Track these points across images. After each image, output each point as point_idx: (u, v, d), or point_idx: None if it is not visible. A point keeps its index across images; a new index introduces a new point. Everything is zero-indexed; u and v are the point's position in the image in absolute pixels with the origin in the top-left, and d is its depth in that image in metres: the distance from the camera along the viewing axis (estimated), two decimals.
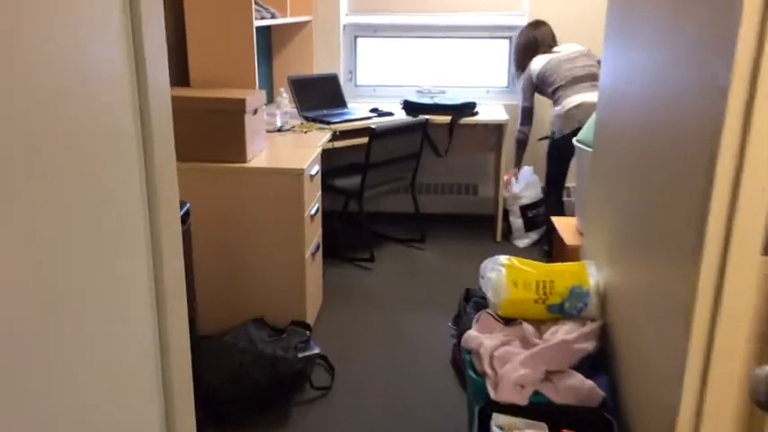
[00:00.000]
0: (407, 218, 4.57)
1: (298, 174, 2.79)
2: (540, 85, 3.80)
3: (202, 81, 3.15)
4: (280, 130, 3.56)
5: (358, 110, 4.16)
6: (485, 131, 4.38)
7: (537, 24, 3.93)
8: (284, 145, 3.22)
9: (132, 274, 0.89)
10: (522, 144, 3.98)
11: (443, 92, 4.64)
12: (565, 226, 2.71)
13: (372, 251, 3.95)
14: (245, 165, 2.82)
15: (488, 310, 2.11)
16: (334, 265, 3.86)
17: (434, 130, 4.11)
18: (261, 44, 4.18)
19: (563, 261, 2.58)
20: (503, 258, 2.13)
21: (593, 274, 2.05)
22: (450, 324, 2.76)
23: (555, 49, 3.86)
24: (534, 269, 2.08)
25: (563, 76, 3.70)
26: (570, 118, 3.61)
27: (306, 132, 3.53)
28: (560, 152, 3.72)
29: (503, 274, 2.07)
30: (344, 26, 4.58)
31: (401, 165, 3.95)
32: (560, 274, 2.06)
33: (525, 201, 4.17)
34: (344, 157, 4.16)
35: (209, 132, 2.83)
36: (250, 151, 2.88)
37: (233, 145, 2.83)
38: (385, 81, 4.73)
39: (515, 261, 2.11)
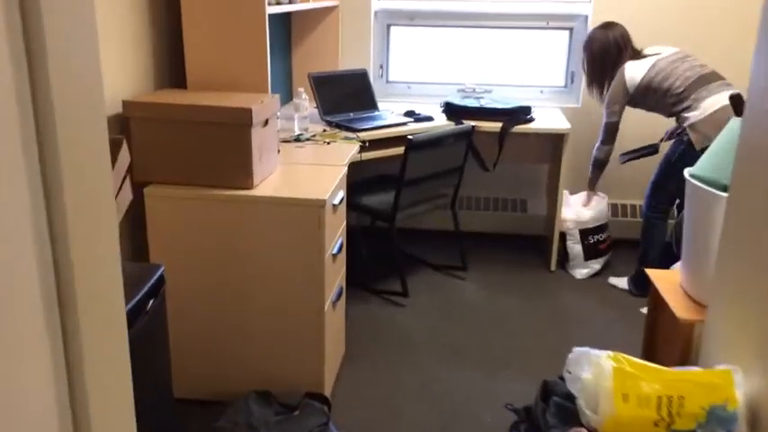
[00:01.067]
0: (446, 237, 3.94)
1: (318, 206, 2.18)
2: (644, 96, 3.17)
3: (202, 82, 2.54)
4: (298, 139, 2.94)
5: (390, 113, 3.52)
6: (539, 140, 3.73)
7: (610, 25, 3.26)
8: (302, 162, 2.61)
9: None
10: (602, 165, 3.37)
11: (489, 91, 3.98)
12: (667, 284, 2.07)
13: (405, 281, 3.33)
14: (251, 192, 2.21)
15: (582, 430, 1.48)
16: (360, 300, 3.25)
17: (481, 139, 3.46)
18: (277, 35, 3.56)
19: (670, 341, 1.94)
20: (604, 356, 1.50)
21: (740, 386, 1.42)
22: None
23: (647, 51, 3.21)
24: (654, 376, 1.44)
25: (685, 76, 3.06)
26: (718, 122, 2.95)
27: (329, 143, 2.91)
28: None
29: (607, 380, 1.44)
30: (376, 13, 3.93)
31: (442, 180, 3.31)
32: (693, 386, 1.42)
33: (588, 224, 3.52)
34: (373, 168, 3.53)
35: (206, 150, 2.22)
36: (258, 174, 2.27)
37: (236, 167, 2.22)
38: (421, 78, 4.08)
39: (624, 361, 1.48)
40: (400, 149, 3.20)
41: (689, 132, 3.03)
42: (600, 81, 3.28)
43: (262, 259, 2.24)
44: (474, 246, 3.89)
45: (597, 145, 3.32)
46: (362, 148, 3.01)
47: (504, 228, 4.08)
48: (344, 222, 2.60)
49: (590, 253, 3.54)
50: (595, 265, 3.55)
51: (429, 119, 3.46)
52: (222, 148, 2.21)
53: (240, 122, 2.17)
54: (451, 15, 3.89)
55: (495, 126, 3.40)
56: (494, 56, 4.02)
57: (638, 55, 3.19)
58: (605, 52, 3.22)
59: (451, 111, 3.53)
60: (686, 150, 3.06)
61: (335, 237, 2.42)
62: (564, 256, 3.63)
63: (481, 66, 4.04)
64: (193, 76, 2.54)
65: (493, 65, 4.04)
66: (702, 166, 1.95)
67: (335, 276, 2.47)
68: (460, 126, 3.22)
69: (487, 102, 3.61)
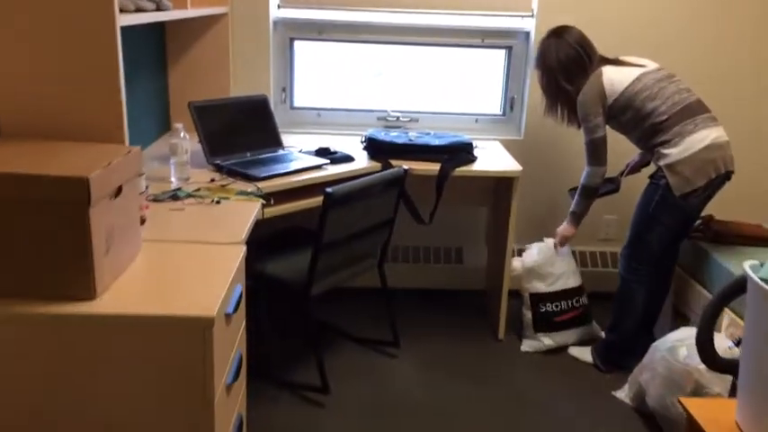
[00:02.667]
0: (371, 296, 3.22)
1: (202, 326, 1.40)
2: (621, 112, 2.56)
3: (19, 128, 1.69)
4: (175, 196, 2.14)
5: (299, 152, 2.77)
6: (479, 182, 3.11)
7: (564, 30, 2.65)
8: (180, 237, 1.81)
9: None
10: (592, 193, 2.68)
11: (416, 120, 3.32)
12: (713, 419, 1.45)
13: (324, 374, 2.57)
14: (93, 308, 1.40)
15: None
16: (265, 399, 2.48)
17: (414, 184, 2.79)
18: (143, 53, 2.72)
19: None
20: None
21: None
22: None
23: (626, 59, 2.64)
24: None
25: (672, 101, 2.50)
26: (705, 163, 2.45)
27: (218, 201, 2.13)
28: (680, 218, 2.55)
29: None
30: (275, 23, 3.18)
31: (368, 239, 2.60)
32: None
33: (541, 286, 2.89)
34: (278, 218, 2.77)
35: (18, 243, 1.39)
36: (105, 275, 1.46)
37: (67, 268, 1.41)
38: (334, 103, 3.36)
39: None
40: (315, 201, 2.48)
41: (666, 174, 2.49)
42: (566, 98, 2.65)
43: (113, 409, 1.43)
44: (405, 308, 3.20)
45: (586, 170, 2.64)
46: (266, 204, 2.24)
47: (437, 282, 3.42)
48: (243, 328, 1.83)
49: (541, 324, 2.93)
50: (546, 340, 2.91)
51: (348, 159, 2.74)
52: (45, 238, 1.39)
53: (72, 199, 1.36)
54: (369, 28, 3.20)
55: (431, 168, 2.73)
56: (420, 78, 3.37)
57: (614, 62, 2.61)
58: (570, 60, 2.59)
59: (376, 148, 2.83)
60: (664, 196, 2.51)
61: (230, 358, 1.65)
62: (519, 321, 3.01)
63: (405, 90, 3.38)
64: (6, 118, 1.68)
65: (419, 89, 3.38)
66: None
67: (232, 410, 1.69)
68: (391, 171, 2.52)
69: (419, 136, 2.93)
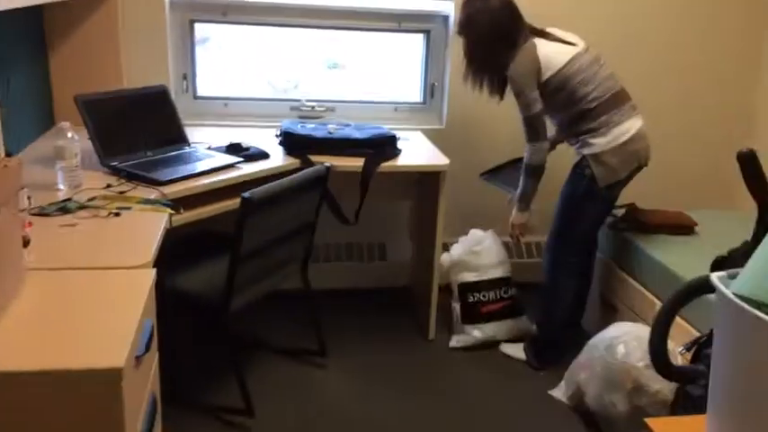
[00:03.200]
0: (292, 300, 2.99)
1: (108, 379, 1.15)
2: (554, 93, 2.42)
3: None
4: (65, 209, 1.83)
5: (207, 148, 2.50)
6: (403, 176, 2.94)
7: None
8: (72, 262, 1.53)
9: None
10: (537, 172, 2.49)
11: (332, 110, 3.10)
12: None
13: (247, 394, 2.33)
14: None
15: None
16: (185, 428, 2.22)
17: (336, 181, 2.58)
18: (18, 40, 2.35)
19: None
20: None
21: None
22: None
23: (552, 31, 2.48)
24: None
25: (603, 87, 2.41)
26: (630, 154, 2.41)
27: (117, 213, 1.84)
28: (603, 208, 2.56)
29: None
30: (172, 3, 2.85)
31: (289, 244, 2.38)
32: None
33: (469, 276, 2.80)
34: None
35: None
36: None
37: None
38: (241, 92, 3.08)
39: None
40: (229, 204, 2.23)
41: (591, 164, 2.42)
42: (494, 68, 2.46)
43: None
44: (328, 311, 3.00)
45: (528, 148, 2.47)
46: (175, 212, 1.97)
47: (360, 281, 3.24)
48: (156, 362, 1.58)
49: (470, 315, 2.83)
50: (475, 332, 2.81)
51: (263, 155, 2.50)
52: None
53: None
54: (278, 10, 2.93)
55: (354, 164, 2.54)
56: (336, 64, 3.15)
57: (543, 34, 2.45)
58: (500, 26, 2.39)
59: (292, 143, 2.59)
60: (590, 187, 2.45)
61: (143, 403, 1.40)
62: (449, 314, 2.90)
63: (320, 77, 3.15)
64: None
65: (335, 76, 3.16)
66: (746, 280, 1.26)
67: None
68: (313, 170, 2.30)
69: (338, 129, 2.72)
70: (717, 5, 3.19)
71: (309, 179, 2.28)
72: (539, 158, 2.47)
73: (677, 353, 1.90)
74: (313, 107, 3.07)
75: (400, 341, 2.83)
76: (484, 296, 2.80)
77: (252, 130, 2.87)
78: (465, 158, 3.10)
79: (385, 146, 2.61)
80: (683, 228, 2.72)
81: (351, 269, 3.22)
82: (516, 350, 2.76)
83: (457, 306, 2.83)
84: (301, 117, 3.05)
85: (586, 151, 2.44)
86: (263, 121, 3.00)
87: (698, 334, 1.96)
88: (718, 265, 2.42)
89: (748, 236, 2.65)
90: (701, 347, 1.67)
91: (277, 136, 2.66)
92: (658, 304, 2.45)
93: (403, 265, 3.26)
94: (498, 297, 2.81)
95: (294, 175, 2.22)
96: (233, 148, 2.49)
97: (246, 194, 2.02)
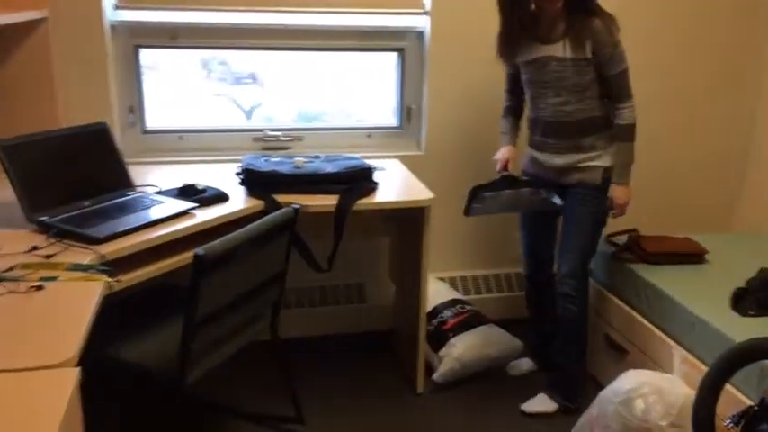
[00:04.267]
0: (261, 353, 2.66)
1: None
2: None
3: None
4: None
5: (156, 192, 2.17)
6: (380, 211, 2.65)
7: None
8: None
9: None
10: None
11: (300, 138, 2.80)
12: None
13: None
14: None
15: None
16: None
17: (307, 222, 2.27)
18: None
19: None
20: None
21: None
22: None
23: None
24: None
25: None
26: None
27: (40, 286, 1.51)
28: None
29: None
30: (114, 28, 2.53)
31: (255, 301, 2.06)
32: None
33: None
34: None
35: None
36: None
37: None
38: (196, 123, 2.77)
39: None
40: (181, 260, 1.92)
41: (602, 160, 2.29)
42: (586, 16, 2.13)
43: None
44: (303, 365, 2.68)
45: (628, 107, 2.22)
46: (112, 279, 1.65)
47: (337, 326, 2.93)
48: None
49: (437, 342, 2.61)
50: (451, 352, 2.56)
51: (222, 198, 2.18)
52: None
53: None
54: (234, 32, 2.63)
55: (327, 203, 2.24)
56: (302, 88, 2.85)
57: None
58: None
59: (255, 181, 2.28)
60: (604, 199, 2.31)
61: None
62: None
63: (284, 103, 2.85)
64: None
65: (301, 101, 2.87)
66: None
67: None
68: (280, 214, 1.99)
69: (308, 162, 2.42)
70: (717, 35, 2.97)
71: (276, 225, 1.97)
72: (635, 117, 2.23)
73: (722, 426, 1.63)
74: (278, 137, 2.77)
75: (387, 397, 2.52)
76: (442, 317, 2.65)
77: (210, 167, 2.55)
78: (446, 188, 2.81)
79: (360, 180, 2.31)
80: (693, 256, 2.46)
81: (326, 314, 2.90)
82: (541, 404, 2.43)
83: (425, 345, 2.55)
84: (265, 149, 2.74)
85: (605, 163, 2.26)
86: (224, 154, 2.69)
87: (749, 402, 1.69)
88: (738, 298, 2.17)
89: (761, 262, 2.42)
90: (752, 420, 1.40)
91: (238, 174, 2.34)
92: (673, 345, 2.18)
93: (384, 308, 2.95)
94: (456, 312, 2.68)
95: (257, 222, 1.90)
96: (187, 191, 2.17)
97: (200, 251, 1.70)
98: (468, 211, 2.38)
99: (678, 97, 3.05)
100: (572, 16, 2.13)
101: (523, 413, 2.41)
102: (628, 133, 2.23)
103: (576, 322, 2.36)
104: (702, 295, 2.21)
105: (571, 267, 2.32)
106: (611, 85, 2.20)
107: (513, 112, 2.47)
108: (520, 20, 2.16)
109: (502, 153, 2.45)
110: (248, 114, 2.87)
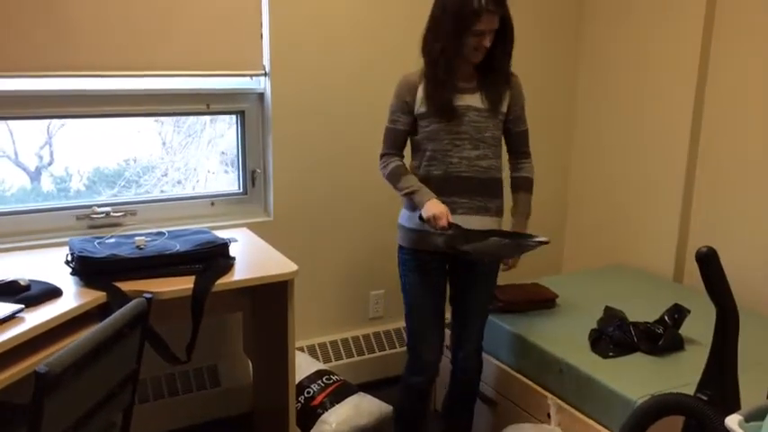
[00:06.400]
0: None
1: None
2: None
3: None
4: None
5: None
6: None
7: None
8: None
9: None
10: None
11: (133, 212, 2.52)
12: None
13: None
14: None
15: None
16: None
17: (160, 311, 2.00)
18: None
19: None
20: None
21: None
22: None
23: None
24: None
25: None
26: None
27: None
28: None
29: None
30: None
31: (107, 409, 1.75)
32: None
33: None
34: None
35: None
36: None
37: None
38: (7, 203, 2.37)
39: None
40: (14, 373, 1.59)
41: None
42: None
43: None
44: None
45: (528, 163, 2.26)
46: None
47: (191, 417, 2.63)
48: None
49: (307, 420, 2.46)
50: (324, 428, 2.41)
51: (52, 293, 1.85)
52: None
53: None
54: (45, 99, 2.30)
55: (179, 286, 1.99)
56: (133, 156, 2.58)
57: None
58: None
59: (91, 270, 1.97)
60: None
61: None
62: None
63: (112, 173, 2.55)
64: None
65: (133, 170, 2.59)
66: None
67: None
68: (131, 307, 1.72)
69: (150, 240, 2.15)
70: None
71: (127, 321, 1.70)
72: None
73: None
74: (107, 213, 2.46)
75: None
76: (309, 392, 2.51)
77: (32, 256, 2.18)
78: (299, 251, 2.68)
79: (217, 257, 2.10)
80: (546, 301, 2.57)
81: (178, 404, 2.60)
82: None
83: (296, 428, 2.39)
84: (92, 227, 2.42)
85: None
86: (45, 237, 2.33)
87: None
88: (595, 340, 2.28)
89: (603, 299, 2.59)
90: None
91: (68, 262, 2.02)
92: (545, 394, 2.23)
93: (242, 390, 2.71)
94: (323, 386, 2.53)
95: (106, 323, 1.62)
96: (7, 290, 1.81)
97: (42, 368, 1.39)
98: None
99: None
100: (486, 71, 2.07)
101: None
102: (531, 185, 2.23)
103: (474, 399, 2.37)
104: (561, 338, 2.30)
105: (481, 334, 2.27)
106: (517, 141, 2.19)
107: (407, 169, 2.14)
108: (447, 63, 1.99)
109: (436, 206, 1.99)
110: (34, 176, 2.48)
